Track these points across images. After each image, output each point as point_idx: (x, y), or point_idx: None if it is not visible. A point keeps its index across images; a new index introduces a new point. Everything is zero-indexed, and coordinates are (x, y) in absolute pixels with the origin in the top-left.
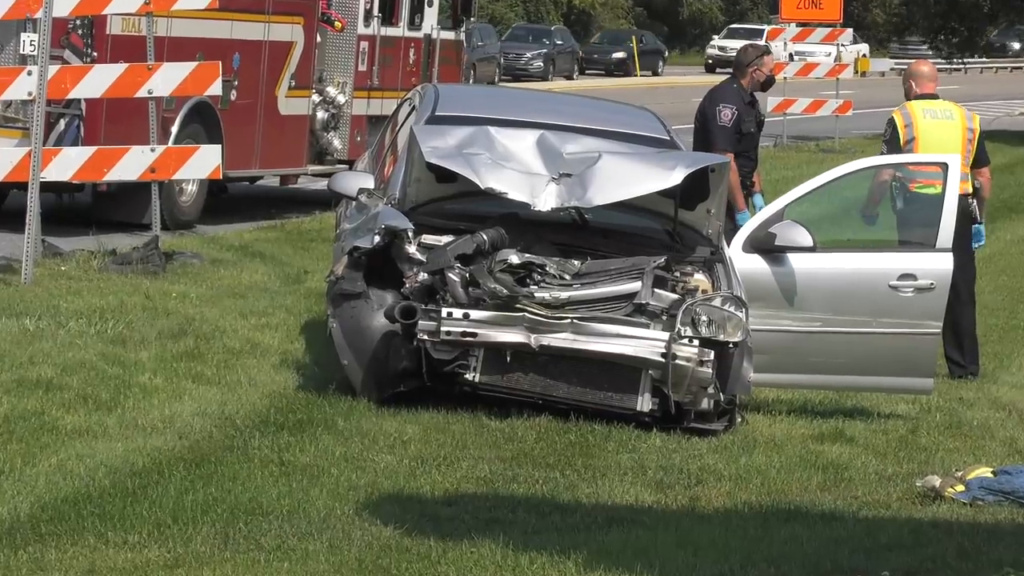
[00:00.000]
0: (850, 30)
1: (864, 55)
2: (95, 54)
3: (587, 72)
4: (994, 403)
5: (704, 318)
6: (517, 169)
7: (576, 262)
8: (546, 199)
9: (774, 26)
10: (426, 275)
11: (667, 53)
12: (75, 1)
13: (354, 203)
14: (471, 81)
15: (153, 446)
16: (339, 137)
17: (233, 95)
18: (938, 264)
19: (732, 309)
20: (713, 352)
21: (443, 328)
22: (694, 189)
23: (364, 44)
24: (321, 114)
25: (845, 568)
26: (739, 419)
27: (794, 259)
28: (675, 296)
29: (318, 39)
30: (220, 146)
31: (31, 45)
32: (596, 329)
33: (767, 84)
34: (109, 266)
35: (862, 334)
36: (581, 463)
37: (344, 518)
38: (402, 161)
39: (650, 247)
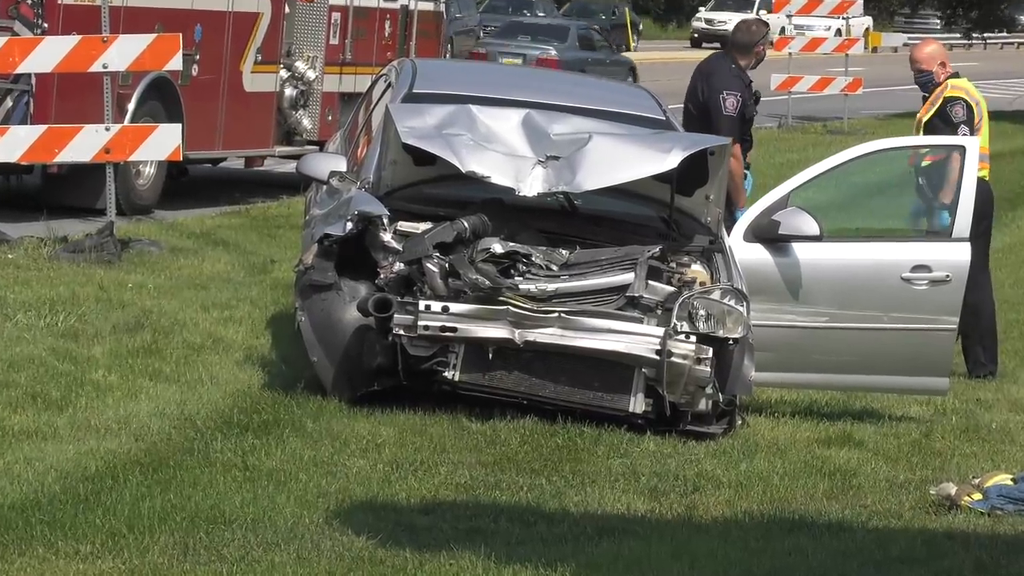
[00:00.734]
0: (860, 1)
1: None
2: (46, 25)
3: None
4: (1014, 405)
5: (702, 312)
6: (501, 151)
7: (564, 252)
8: (532, 183)
9: None
10: (402, 265)
11: (641, 26)
12: None
13: (325, 187)
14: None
15: (107, 449)
16: (309, 116)
17: (194, 70)
18: (954, 255)
19: (732, 303)
20: (712, 349)
21: (420, 322)
22: (692, 173)
23: (336, 15)
24: (289, 91)
25: None
26: (739, 421)
27: (799, 249)
28: (671, 289)
29: (286, 10)
30: (180, 125)
31: None
32: (585, 324)
33: (759, 62)
34: (60, 254)
35: (872, 330)
36: (569, 469)
37: (313, 527)
38: (377, 142)
39: (644, 236)
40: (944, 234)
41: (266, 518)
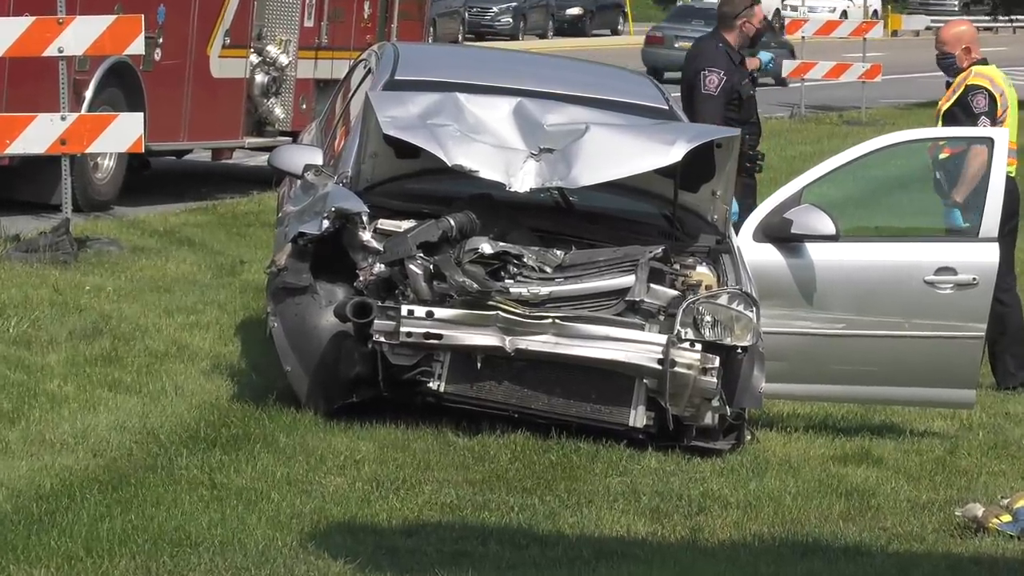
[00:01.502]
0: None
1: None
2: None
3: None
4: None
5: (708, 318)
6: (490, 143)
7: (558, 252)
8: (524, 178)
9: None
10: (383, 266)
11: (627, 7)
12: None
13: (299, 182)
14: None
15: (63, 465)
16: (281, 104)
17: (157, 55)
18: (982, 256)
19: (741, 308)
20: (718, 358)
21: (403, 328)
22: (697, 167)
23: None
24: (260, 77)
25: None
26: (748, 437)
27: (813, 250)
28: (674, 292)
29: None
30: (142, 114)
31: None
32: (581, 331)
33: (756, 39)
34: (12, 254)
35: (893, 337)
36: (564, 487)
37: (286, 551)
38: (355, 133)
39: (645, 235)
40: (970, 234)
41: (235, 541)
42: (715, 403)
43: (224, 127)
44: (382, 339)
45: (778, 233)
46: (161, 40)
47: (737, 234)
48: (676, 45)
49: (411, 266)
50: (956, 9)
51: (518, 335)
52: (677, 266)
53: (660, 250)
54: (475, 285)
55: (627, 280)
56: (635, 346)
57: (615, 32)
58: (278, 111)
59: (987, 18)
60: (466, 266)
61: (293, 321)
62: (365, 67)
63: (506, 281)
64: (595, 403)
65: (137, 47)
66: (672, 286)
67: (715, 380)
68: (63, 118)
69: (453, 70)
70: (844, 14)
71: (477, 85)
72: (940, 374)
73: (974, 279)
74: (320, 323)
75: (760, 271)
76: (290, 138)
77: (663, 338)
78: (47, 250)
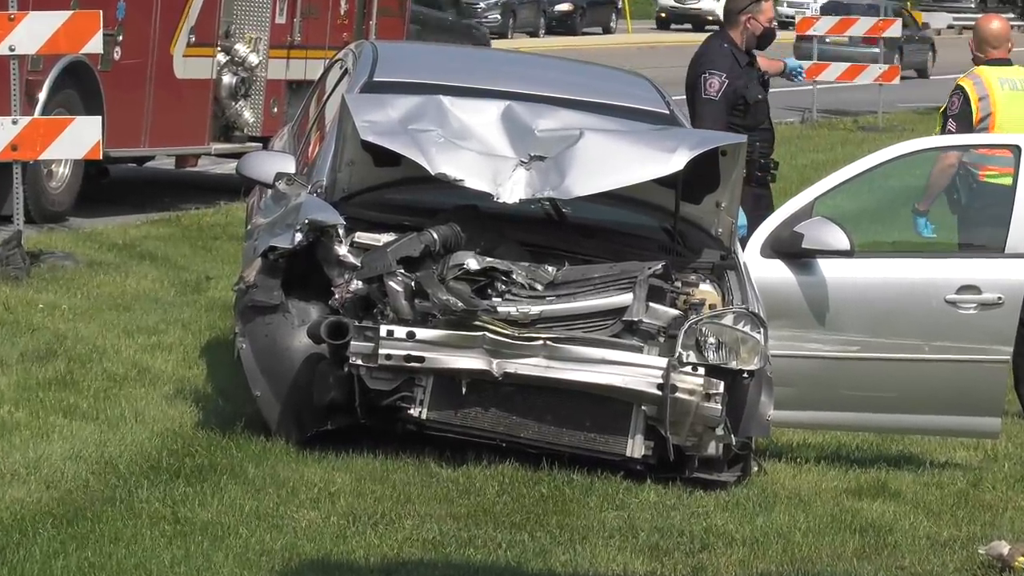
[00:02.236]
0: None
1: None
2: None
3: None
4: None
5: (712, 340)
6: (476, 150)
7: (550, 268)
8: (513, 188)
9: None
10: (360, 283)
11: (621, 3)
12: None
13: (270, 191)
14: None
15: (13, 497)
16: (251, 108)
17: (116, 53)
18: (1008, 273)
19: (747, 329)
20: (723, 383)
21: (382, 350)
22: (700, 177)
23: None
24: (228, 78)
25: None
26: (755, 468)
27: (826, 266)
28: (675, 312)
29: None
30: (100, 118)
31: None
32: (575, 353)
33: (765, 39)
34: None
35: (911, 361)
36: (555, 523)
37: None
38: (331, 139)
39: (644, 250)
40: (995, 249)
41: None
42: (719, 432)
43: (189, 132)
44: (359, 362)
45: (788, 248)
46: (121, 38)
47: (743, 249)
48: (827, 40)
49: (391, 283)
50: (972, 7)
51: (506, 358)
52: (678, 283)
53: (660, 266)
54: (460, 304)
55: (624, 299)
56: (633, 370)
57: (607, 30)
58: (247, 115)
59: (1015, 17)
60: (450, 283)
61: (263, 342)
62: (341, 67)
63: (493, 299)
64: (589, 431)
65: (95, 45)
66: (673, 305)
67: (719, 407)
68: (14, 122)
69: (436, 71)
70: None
71: (462, 87)
72: (963, 400)
73: (999, 298)
74: (292, 344)
75: (768, 289)
76: (260, 144)
77: (663, 361)
78: None
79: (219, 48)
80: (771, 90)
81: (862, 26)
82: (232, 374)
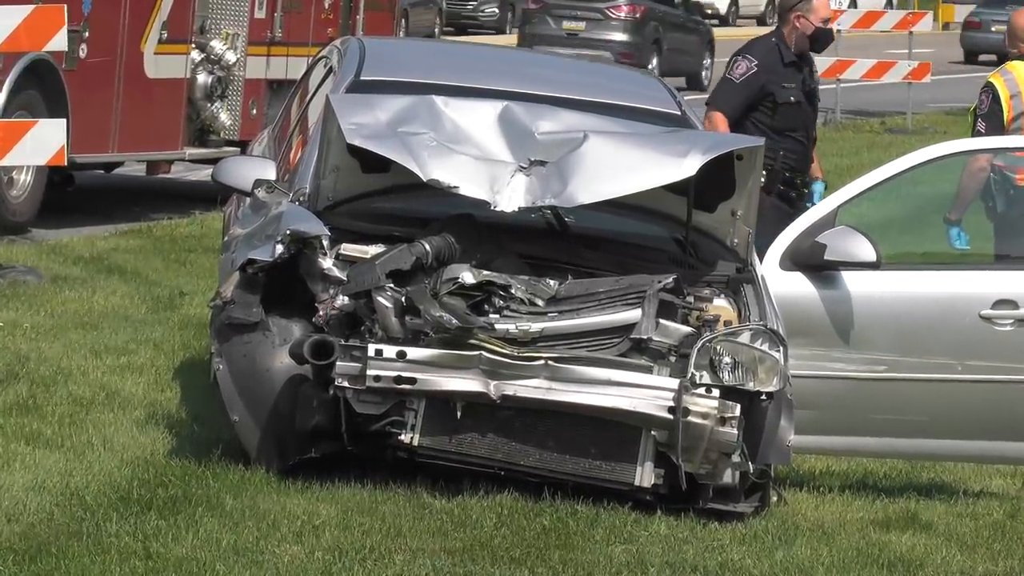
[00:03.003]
0: None
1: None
2: None
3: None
4: None
5: (727, 359)
6: (472, 154)
7: (552, 282)
8: (511, 196)
9: None
10: (347, 299)
11: None
12: None
13: (248, 200)
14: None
15: None
16: (228, 109)
17: (83, 51)
18: None
19: (765, 347)
20: (739, 406)
21: (370, 371)
22: (714, 183)
23: None
24: (203, 77)
25: None
26: (775, 498)
27: (850, 279)
28: (687, 329)
29: None
30: (65, 121)
31: None
32: (579, 374)
33: (820, 40)
34: None
35: (943, 382)
36: (558, 557)
37: None
38: (314, 143)
39: (653, 262)
40: None
41: None
42: (735, 459)
43: (161, 136)
44: (345, 384)
45: (809, 260)
46: (87, 34)
47: (761, 261)
48: (992, 29)
49: (379, 298)
50: None
51: (505, 379)
52: (691, 298)
53: (671, 280)
54: (454, 321)
55: (632, 315)
56: (642, 392)
57: None
58: (224, 117)
59: None
60: (444, 298)
61: (241, 363)
62: (326, 65)
63: (491, 316)
64: (595, 459)
65: (59, 42)
66: (685, 322)
67: (735, 431)
68: None
69: (428, 69)
70: (854, 2)
71: (457, 86)
72: (998, 424)
73: None
74: (273, 365)
75: (788, 304)
76: (238, 149)
77: (675, 383)
78: None
79: (193, 45)
80: None
81: (889, 20)
82: (208, 397)
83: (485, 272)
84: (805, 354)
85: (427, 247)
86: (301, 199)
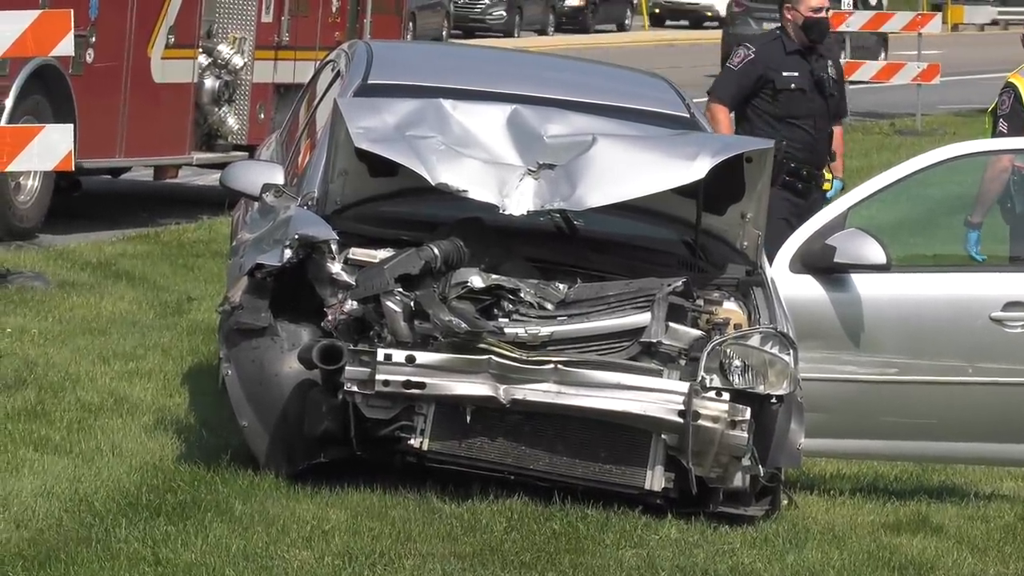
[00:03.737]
0: None
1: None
2: None
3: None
4: None
5: (737, 363)
6: (480, 158)
7: (561, 286)
8: (520, 199)
9: None
10: (356, 303)
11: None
12: None
13: (256, 204)
14: (411, 37)
15: None
16: (235, 114)
17: (89, 56)
18: None
19: (775, 350)
20: (750, 409)
21: (379, 376)
22: (723, 186)
23: None
24: (210, 82)
25: None
26: (785, 501)
27: (860, 282)
28: (697, 333)
29: None
30: (72, 126)
31: None
32: (589, 378)
33: (811, 29)
34: None
35: (953, 384)
36: (568, 562)
37: None
38: (322, 147)
39: (663, 265)
40: None
41: None
42: (746, 462)
43: (168, 141)
44: (354, 388)
45: (819, 262)
46: (93, 39)
47: (771, 264)
48: None
49: (388, 303)
50: None
51: (514, 383)
52: (700, 301)
53: (680, 283)
54: (463, 325)
55: (642, 318)
56: (652, 396)
57: (621, 28)
58: (231, 121)
59: None
60: (453, 302)
61: (250, 368)
62: (333, 69)
63: (500, 320)
64: (605, 463)
65: (65, 47)
66: (695, 325)
67: (746, 435)
68: None
69: (436, 72)
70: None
71: (465, 90)
72: (1009, 427)
73: None
74: (281, 370)
75: (798, 307)
76: (246, 153)
77: (685, 386)
78: None
79: (200, 49)
80: None
81: (898, 21)
82: (217, 403)
83: (494, 276)
84: (815, 357)
85: (436, 251)
86: (309, 203)
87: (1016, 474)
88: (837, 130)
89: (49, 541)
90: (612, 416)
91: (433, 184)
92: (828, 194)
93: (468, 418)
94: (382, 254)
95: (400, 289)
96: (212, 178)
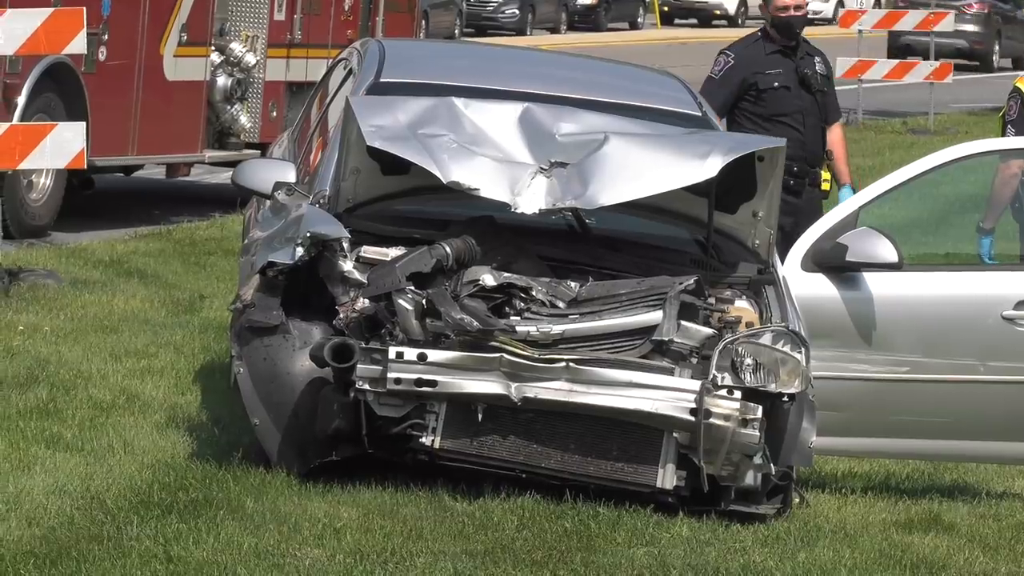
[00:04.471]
0: None
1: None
2: None
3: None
4: None
5: (749, 361)
6: (492, 156)
7: (573, 284)
8: (532, 198)
9: None
10: (367, 301)
11: None
12: None
13: (268, 202)
14: (424, 35)
15: None
16: (247, 112)
17: (102, 54)
18: None
19: (787, 349)
20: (761, 408)
21: (391, 374)
22: (735, 184)
23: None
24: (223, 80)
25: None
26: (797, 500)
27: (872, 280)
28: (709, 331)
29: None
30: (84, 124)
31: None
32: (600, 376)
33: (780, 28)
34: None
35: (966, 383)
36: (580, 560)
37: None
38: (334, 145)
39: (675, 264)
40: None
41: None
42: (757, 460)
43: (180, 138)
44: (366, 387)
45: (831, 261)
46: (106, 37)
47: (783, 262)
48: None
49: (400, 301)
50: None
51: (526, 381)
52: (712, 300)
53: (692, 281)
54: (475, 323)
55: (653, 317)
56: (663, 394)
57: (634, 26)
58: (244, 119)
59: None
60: (464, 301)
61: (262, 366)
62: (345, 67)
63: (512, 318)
64: (616, 461)
65: (78, 45)
66: (706, 323)
67: (757, 433)
68: None
69: (448, 71)
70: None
71: (477, 88)
72: (1021, 425)
73: None
74: (293, 368)
75: (810, 306)
76: (258, 151)
77: (696, 384)
78: None
79: (213, 47)
80: None
81: (911, 20)
82: (228, 401)
83: (506, 274)
84: (827, 355)
85: (447, 249)
86: (321, 201)
87: None
88: (837, 131)
89: (61, 539)
90: (624, 414)
91: (445, 182)
92: (841, 198)
93: (480, 416)
94: (394, 252)
95: (412, 287)
96: (224, 176)
